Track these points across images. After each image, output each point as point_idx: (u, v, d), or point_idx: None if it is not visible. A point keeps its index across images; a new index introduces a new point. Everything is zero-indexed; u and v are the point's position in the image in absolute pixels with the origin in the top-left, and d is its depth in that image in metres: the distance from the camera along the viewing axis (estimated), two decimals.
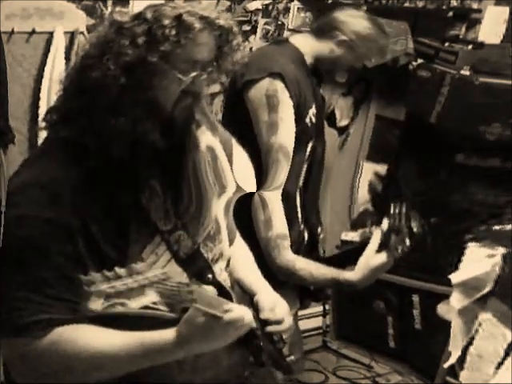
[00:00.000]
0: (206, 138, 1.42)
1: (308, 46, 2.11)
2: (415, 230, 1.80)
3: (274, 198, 1.92)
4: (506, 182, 2.95)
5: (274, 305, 1.49)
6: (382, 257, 1.83)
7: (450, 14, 2.96)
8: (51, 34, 2.31)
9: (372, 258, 1.84)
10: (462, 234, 2.52)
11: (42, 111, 2.33)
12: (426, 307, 3.04)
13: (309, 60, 2.11)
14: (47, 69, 2.34)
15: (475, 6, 2.95)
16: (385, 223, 1.83)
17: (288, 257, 1.92)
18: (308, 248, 2.16)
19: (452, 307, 2.26)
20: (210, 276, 1.37)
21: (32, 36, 2.28)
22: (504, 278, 2.18)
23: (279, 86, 1.94)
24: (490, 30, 2.90)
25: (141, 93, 1.22)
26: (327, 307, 3.32)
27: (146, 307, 1.03)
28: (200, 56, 1.26)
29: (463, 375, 2.21)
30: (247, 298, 1.51)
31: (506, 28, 2.85)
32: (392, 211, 1.82)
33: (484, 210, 2.97)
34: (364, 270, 1.85)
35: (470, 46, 2.93)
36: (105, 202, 1.22)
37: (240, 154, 1.55)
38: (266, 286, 1.57)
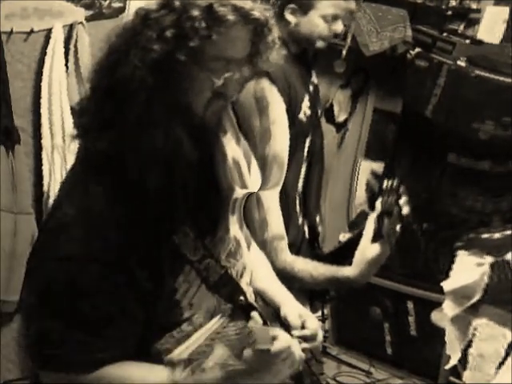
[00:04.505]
0: (232, 149, 1.40)
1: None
2: (404, 211, 1.82)
3: (270, 197, 1.97)
4: (494, 188, 3.14)
5: (304, 319, 1.49)
6: (377, 247, 1.88)
7: (449, 13, 3.13)
8: (49, 30, 2.47)
9: (367, 250, 1.89)
10: (451, 240, 2.66)
11: (44, 107, 2.49)
12: (421, 314, 3.22)
13: (293, 48, 2.17)
14: (47, 61, 2.49)
15: (474, 6, 3.09)
16: (378, 205, 1.88)
17: (286, 258, 1.97)
18: (310, 243, 2.26)
19: (445, 315, 2.41)
20: (242, 298, 1.41)
21: (31, 34, 2.43)
22: (493, 286, 2.32)
23: (266, 83, 1.97)
24: (489, 30, 3.04)
25: (170, 96, 1.21)
26: (325, 311, 3.47)
27: (218, 364, 1.11)
28: (233, 53, 1.22)
29: (466, 375, 2.36)
30: (270, 310, 1.53)
31: (506, 28, 2.98)
32: (384, 187, 1.87)
33: (473, 216, 3.15)
34: (361, 263, 1.90)
35: (467, 41, 3.08)
36: (142, 239, 1.24)
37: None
38: (290, 298, 1.59)
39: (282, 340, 1.29)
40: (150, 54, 1.18)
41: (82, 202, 1.26)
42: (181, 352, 1.11)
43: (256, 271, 1.58)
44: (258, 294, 1.55)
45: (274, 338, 1.27)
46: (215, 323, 1.17)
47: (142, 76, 1.19)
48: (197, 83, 1.22)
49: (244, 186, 1.45)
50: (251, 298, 1.47)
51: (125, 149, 1.23)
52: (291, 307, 1.53)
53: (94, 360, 1.25)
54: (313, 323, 1.50)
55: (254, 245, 1.65)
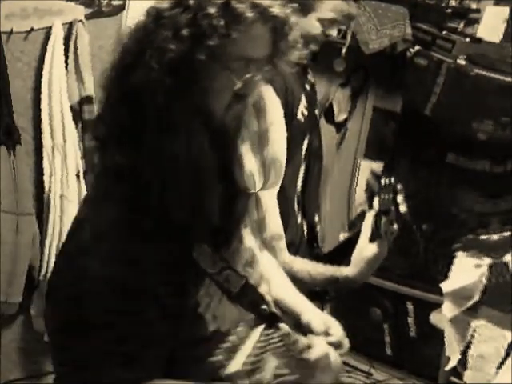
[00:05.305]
0: (248, 154, 1.37)
1: None
2: (402, 209, 1.84)
3: (268, 197, 1.93)
4: (493, 189, 3.19)
5: (327, 326, 1.46)
6: (375, 246, 1.90)
7: (449, 11, 3.17)
8: (49, 28, 2.53)
9: (365, 249, 1.92)
10: (450, 241, 2.70)
11: (44, 105, 2.54)
12: (420, 315, 3.26)
13: None
14: (47, 59, 2.55)
15: (474, 5, 3.14)
16: (375, 203, 1.89)
17: (285, 259, 1.96)
18: (309, 243, 2.28)
19: (444, 316, 2.45)
20: (265, 307, 1.39)
21: (31, 33, 2.50)
22: (492, 287, 2.36)
23: (263, 84, 2.07)
24: (488, 30, 3.08)
25: (190, 98, 1.16)
26: (325, 312, 3.50)
27: (276, 376, 1.13)
28: (254, 53, 1.19)
29: (467, 375, 2.41)
30: (289, 320, 1.49)
31: (506, 28, 3.03)
32: (382, 183, 1.88)
33: (471, 217, 3.19)
34: (359, 263, 1.92)
35: (467, 39, 3.13)
36: (164, 254, 1.21)
37: None
38: (309, 305, 1.57)
39: (319, 348, 1.30)
40: (167, 53, 1.15)
41: (102, 221, 1.23)
42: (241, 366, 1.12)
43: (271, 279, 1.55)
44: (276, 302, 1.53)
45: (309, 347, 1.27)
46: (254, 333, 1.17)
47: (159, 77, 1.15)
48: (217, 84, 1.18)
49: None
50: (273, 306, 1.46)
51: (144, 159, 1.19)
52: (313, 314, 1.52)
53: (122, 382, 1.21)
54: (337, 330, 1.48)
55: (265, 252, 1.65)
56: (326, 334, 1.45)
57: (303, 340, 1.29)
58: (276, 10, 1.19)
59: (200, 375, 1.26)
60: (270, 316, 1.38)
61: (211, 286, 1.31)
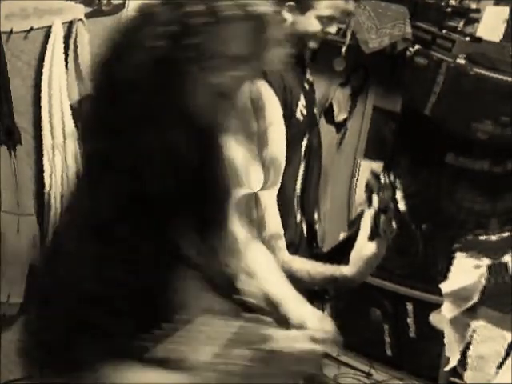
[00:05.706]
0: (233, 151, 1.40)
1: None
2: (400, 206, 1.85)
3: (268, 197, 1.99)
4: (492, 190, 3.22)
5: (318, 321, 1.48)
6: (374, 245, 1.90)
7: (449, 9, 3.20)
8: (49, 27, 2.56)
9: (364, 248, 1.92)
10: (450, 242, 2.69)
11: (44, 104, 2.56)
12: (420, 316, 3.28)
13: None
14: (47, 58, 2.57)
15: (474, 5, 3.18)
16: (374, 201, 1.88)
17: (284, 258, 1.99)
18: (308, 242, 2.29)
19: (443, 316, 2.44)
20: (242, 299, 1.40)
21: (30, 32, 2.53)
22: (491, 288, 2.35)
23: (261, 83, 1.97)
24: (488, 30, 3.10)
25: (171, 95, 1.18)
26: (325, 313, 3.51)
27: (247, 367, 1.13)
28: (237, 51, 1.20)
29: (468, 375, 2.39)
30: (269, 313, 1.47)
31: (506, 28, 3.05)
32: (382, 182, 1.88)
33: (471, 218, 3.23)
34: (358, 262, 1.94)
35: (467, 38, 3.15)
36: (144, 240, 1.22)
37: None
38: (300, 299, 1.57)
39: (301, 341, 1.32)
40: (151, 51, 1.16)
41: (85, 208, 1.25)
42: (198, 355, 1.13)
43: (258, 273, 1.56)
44: (265, 296, 1.54)
45: (293, 340, 1.29)
46: (229, 324, 1.17)
47: (142, 74, 1.17)
48: (199, 82, 1.19)
49: (244, 187, 1.49)
50: (252, 298, 1.47)
51: (124, 151, 1.21)
52: (305, 309, 1.54)
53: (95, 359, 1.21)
54: (328, 325, 1.50)
55: (258, 245, 1.67)
56: (316, 329, 1.45)
57: (279, 333, 1.29)
58: (260, 8, 1.21)
59: (172, 363, 1.24)
60: (246, 308, 1.38)
61: (198, 280, 1.32)
